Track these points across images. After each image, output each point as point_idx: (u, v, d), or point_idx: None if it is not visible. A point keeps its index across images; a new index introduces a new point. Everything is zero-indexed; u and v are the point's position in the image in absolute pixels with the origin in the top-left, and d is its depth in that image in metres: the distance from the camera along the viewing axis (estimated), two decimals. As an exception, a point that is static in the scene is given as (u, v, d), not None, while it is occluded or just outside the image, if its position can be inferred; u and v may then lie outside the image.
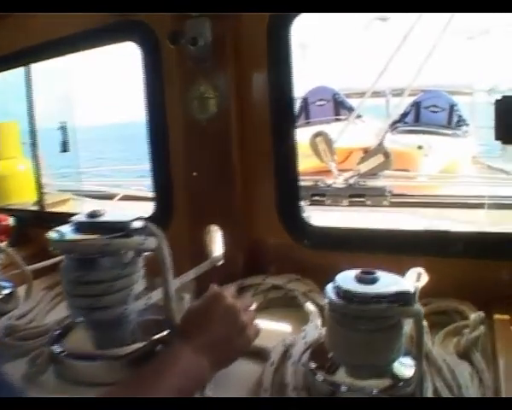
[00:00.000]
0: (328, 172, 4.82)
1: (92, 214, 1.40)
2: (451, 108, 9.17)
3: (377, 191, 4.01)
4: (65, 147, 4.06)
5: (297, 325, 1.60)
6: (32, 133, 3.28)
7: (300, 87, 11.10)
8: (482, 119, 10.53)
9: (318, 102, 9.74)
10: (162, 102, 1.99)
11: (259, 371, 1.32)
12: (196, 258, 1.87)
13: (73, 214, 1.43)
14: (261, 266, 1.91)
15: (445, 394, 1.15)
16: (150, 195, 2.77)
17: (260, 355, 1.39)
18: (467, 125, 9.07)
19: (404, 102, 8.50)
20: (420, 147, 5.67)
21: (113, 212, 1.44)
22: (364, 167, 4.18)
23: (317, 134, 4.31)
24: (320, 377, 1.18)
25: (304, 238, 1.87)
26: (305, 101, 9.94)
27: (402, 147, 6.13)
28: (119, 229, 1.35)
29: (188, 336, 1.21)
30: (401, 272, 1.29)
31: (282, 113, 1.84)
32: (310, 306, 1.67)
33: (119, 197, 4.80)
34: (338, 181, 4.25)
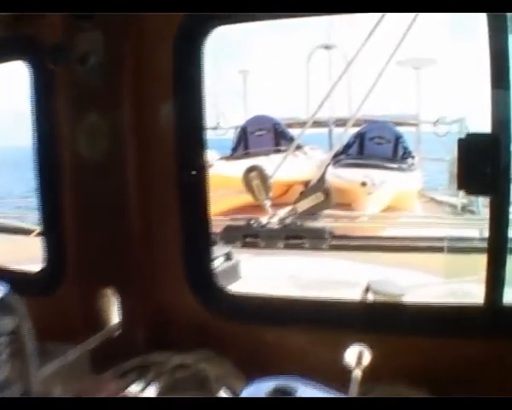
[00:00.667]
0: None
1: None
2: (397, 139, 9.16)
3: (316, 233, 3.75)
4: None
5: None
6: None
7: (240, 116, 10.97)
8: (427, 150, 10.64)
9: (258, 132, 9.55)
10: (51, 133, 1.71)
11: None
12: (89, 327, 1.59)
13: None
14: (167, 339, 1.63)
15: None
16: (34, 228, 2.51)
17: None
18: (412, 157, 9.05)
19: (348, 133, 8.43)
20: (364, 183, 5.50)
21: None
22: (302, 206, 3.91)
23: (251, 169, 4.03)
24: None
25: (218, 307, 1.59)
26: (243, 130, 9.74)
27: (345, 183, 5.98)
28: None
29: None
30: (338, 350, 1.16)
31: (192, 149, 1.57)
32: (224, 394, 1.41)
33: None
34: (273, 221, 3.98)
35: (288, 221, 3.97)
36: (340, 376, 1.12)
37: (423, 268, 3.48)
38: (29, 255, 2.08)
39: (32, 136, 1.80)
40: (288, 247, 3.81)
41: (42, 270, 1.83)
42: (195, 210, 1.58)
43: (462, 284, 3.13)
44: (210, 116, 10.81)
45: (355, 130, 9.20)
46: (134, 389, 1.36)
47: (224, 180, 5.90)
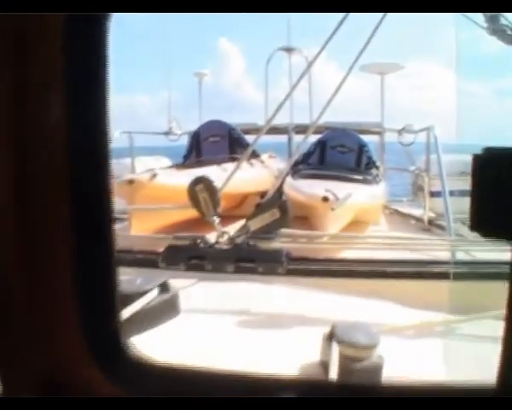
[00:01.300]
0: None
1: None
2: (360, 148, 8.86)
3: (271, 256, 3.36)
4: None
5: None
6: None
7: (193, 121, 10.58)
8: (391, 160, 10.46)
9: (212, 139, 9.12)
10: None
11: None
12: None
13: None
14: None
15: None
16: None
17: None
18: (376, 167, 8.75)
19: (308, 141, 8.08)
20: (325, 199, 5.12)
21: None
22: (256, 224, 3.51)
23: (198, 181, 3.60)
24: None
25: (128, 380, 1.17)
26: (196, 136, 9.32)
27: (304, 198, 5.60)
28: None
29: None
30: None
31: (91, 166, 1.15)
32: None
33: None
34: (222, 240, 3.57)
35: (239, 241, 3.55)
36: None
37: (398, 299, 3.11)
38: None
39: None
40: (238, 271, 3.39)
41: None
42: (94, 241, 1.16)
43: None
44: (162, 121, 10.46)
45: (316, 137, 8.89)
46: None
47: (169, 191, 5.48)
